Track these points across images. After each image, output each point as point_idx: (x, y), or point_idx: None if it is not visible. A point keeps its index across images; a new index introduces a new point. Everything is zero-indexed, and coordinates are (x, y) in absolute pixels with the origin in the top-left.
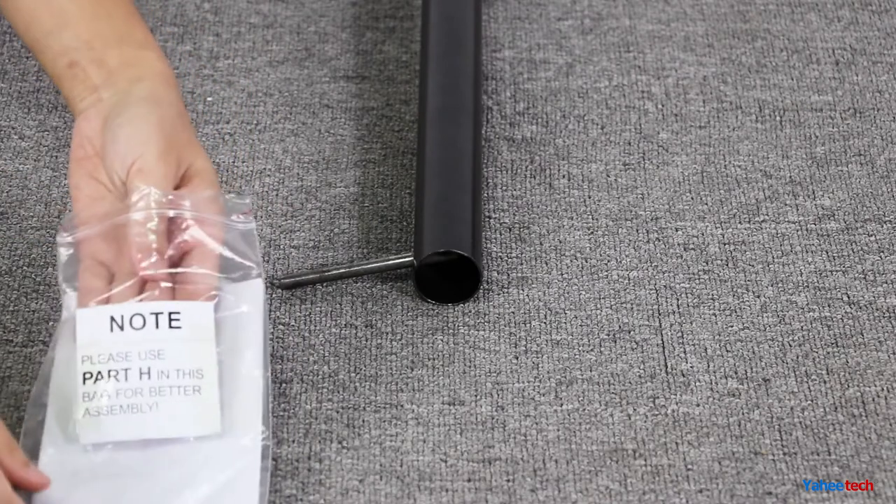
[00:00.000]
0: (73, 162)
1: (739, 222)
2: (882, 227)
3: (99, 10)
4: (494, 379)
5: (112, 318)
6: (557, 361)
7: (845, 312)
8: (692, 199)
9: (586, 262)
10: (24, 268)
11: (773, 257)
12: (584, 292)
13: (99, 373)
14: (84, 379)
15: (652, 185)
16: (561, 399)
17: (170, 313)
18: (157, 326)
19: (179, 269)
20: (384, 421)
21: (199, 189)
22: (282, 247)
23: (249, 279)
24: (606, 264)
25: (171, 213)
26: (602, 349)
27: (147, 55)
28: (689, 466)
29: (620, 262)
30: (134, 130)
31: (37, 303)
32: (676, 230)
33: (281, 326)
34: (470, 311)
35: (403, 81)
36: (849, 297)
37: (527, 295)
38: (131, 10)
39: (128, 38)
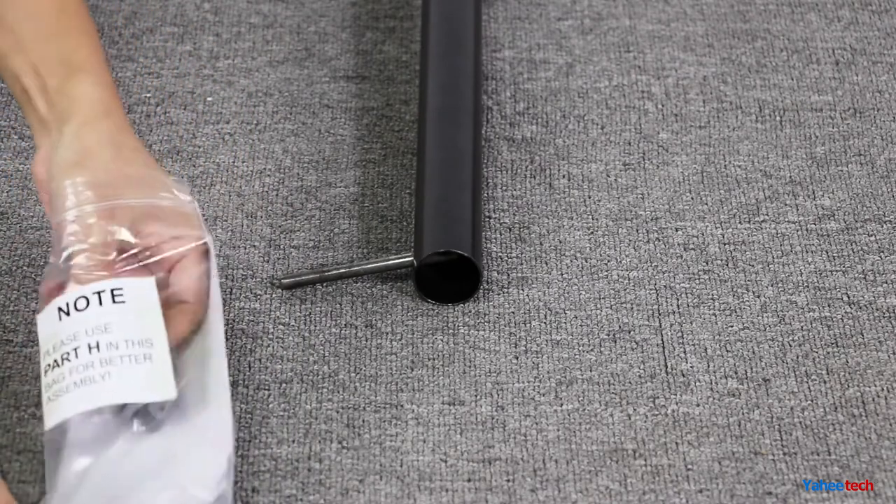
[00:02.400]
0: (38, 191)
1: (739, 222)
2: (882, 227)
3: (49, 32)
4: (494, 379)
5: (59, 309)
6: (557, 361)
7: (845, 312)
8: (692, 199)
9: (586, 262)
10: (24, 268)
11: (773, 257)
12: (584, 292)
13: (55, 360)
14: (45, 372)
15: (652, 185)
16: (561, 399)
17: (112, 290)
18: (100, 304)
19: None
20: (384, 421)
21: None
22: (282, 247)
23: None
24: (606, 264)
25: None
26: (602, 349)
27: (82, 80)
28: (689, 466)
29: (620, 262)
30: (62, 199)
31: (37, 303)
32: (676, 230)
33: (281, 326)
34: (470, 311)
35: (403, 81)
36: (849, 297)
37: (527, 295)
38: (85, 27)
39: (69, 60)
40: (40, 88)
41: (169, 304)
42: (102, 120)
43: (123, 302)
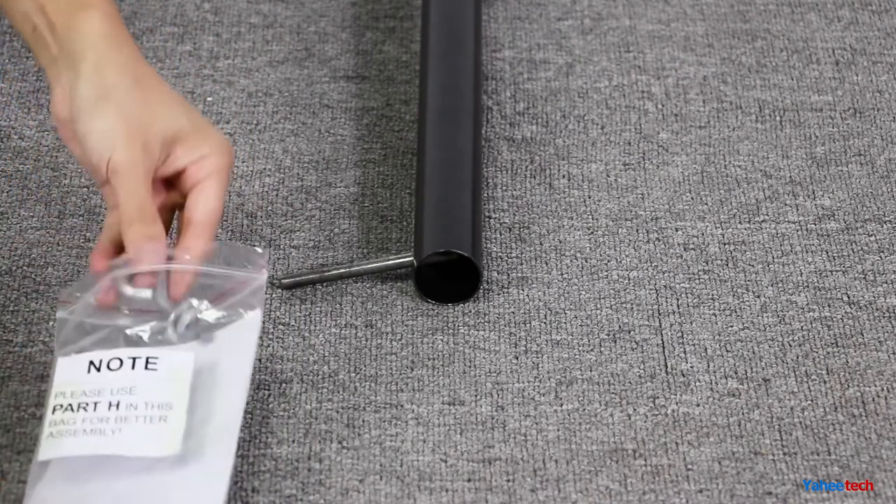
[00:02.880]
0: (66, 142)
1: (739, 222)
2: (882, 227)
3: None
4: (494, 379)
5: (91, 363)
6: (557, 361)
7: (845, 312)
8: (692, 199)
9: (586, 262)
10: (24, 268)
11: (773, 257)
12: (584, 292)
13: (69, 405)
14: (53, 409)
15: (652, 185)
16: (561, 399)
17: (147, 358)
18: (133, 368)
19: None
20: (384, 421)
21: (191, 148)
22: (282, 247)
23: (242, 319)
24: (606, 264)
25: (174, 267)
26: (602, 349)
27: (90, 16)
28: (689, 466)
29: (620, 262)
30: (94, 133)
31: (37, 303)
32: (676, 230)
33: (281, 326)
34: (470, 311)
35: (403, 81)
36: (849, 297)
37: (527, 295)
38: None
39: None
40: (49, 27)
41: (184, 226)
42: (115, 53)
43: (155, 370)
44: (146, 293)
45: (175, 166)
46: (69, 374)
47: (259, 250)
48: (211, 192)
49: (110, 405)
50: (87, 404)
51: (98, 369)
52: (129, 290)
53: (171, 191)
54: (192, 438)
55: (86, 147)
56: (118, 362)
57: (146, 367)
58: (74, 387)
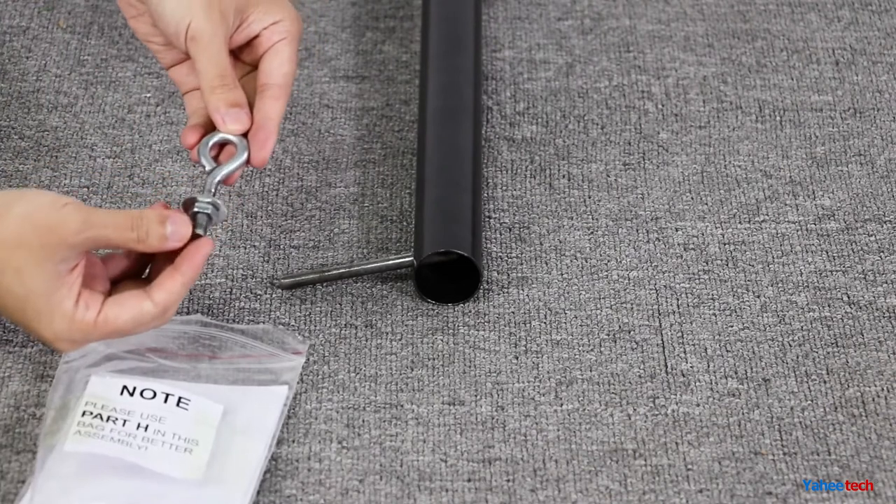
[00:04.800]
0: (130, 20)
1: (739, 222)
2: (882, 227)
3: None
4: (494, 379)
5: (125, 387)
6: (557, 361)
7: (845, 312)
8: (692, 199)
9: (586, 262)
10: None
11: (773, 257)
12: (584, 292)
13: (99, 414)
14: (82, 413)
15: (652, 185)
16: (561, 399)
17: (180, 397)
18: (165, 402)
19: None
20: (384, 421)
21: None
22: (282, 247)
23: (273, 385)
24: (606, 264)
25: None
26: (602, 349)
27: None
28: (689, 466)
29: (620, 262)
30: (171, 1)
31: None
32: (676, 230)
33: (281, 326)
34: (470, 311)
35: (403, 81)
36: (849, 297)
37: (527, 295)
38: None
39: None
40: None
41: (261, 89)
42: None
43: (186, 410)
44: (209, 164)
45: (248, 32)
46: (101, 390)
47: (300, 338)
48: (286, 54)
49: (139, 426)
50: (117, 419)
51: (131, 394)
52: (204, 155)
53: (239, 61)
54: (214, 468)
55: (162, 15)
56: (151, 393)
57: (178, 405)
58: (105, 402)
